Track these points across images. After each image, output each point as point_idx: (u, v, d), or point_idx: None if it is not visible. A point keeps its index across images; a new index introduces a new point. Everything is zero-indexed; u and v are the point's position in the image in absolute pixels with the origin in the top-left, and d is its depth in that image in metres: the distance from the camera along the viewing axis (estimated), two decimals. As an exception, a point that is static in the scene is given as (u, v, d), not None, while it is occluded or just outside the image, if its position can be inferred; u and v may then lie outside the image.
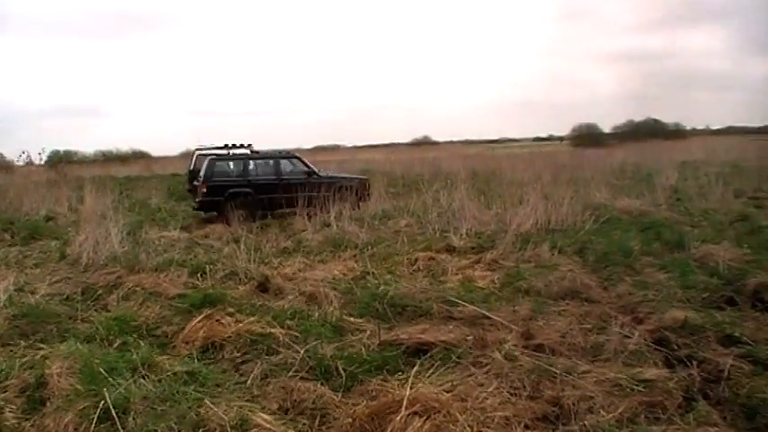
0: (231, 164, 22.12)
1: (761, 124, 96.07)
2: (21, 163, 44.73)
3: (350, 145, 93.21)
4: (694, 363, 6.65)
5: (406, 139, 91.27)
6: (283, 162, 21.80)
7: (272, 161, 21.87)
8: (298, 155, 22.86)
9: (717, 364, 6.56)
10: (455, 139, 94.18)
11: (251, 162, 21.69)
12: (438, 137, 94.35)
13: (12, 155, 46.05)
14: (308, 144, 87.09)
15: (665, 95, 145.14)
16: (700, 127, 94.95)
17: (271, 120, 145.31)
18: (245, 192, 20.56)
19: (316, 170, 21.63)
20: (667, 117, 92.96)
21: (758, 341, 7.25)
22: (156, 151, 68.65)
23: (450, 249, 12.99)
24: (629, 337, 7.28)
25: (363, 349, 7.24)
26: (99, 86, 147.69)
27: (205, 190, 20.76)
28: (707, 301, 9.06)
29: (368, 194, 21.59)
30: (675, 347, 7.19)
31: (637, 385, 6.00)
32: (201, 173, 21.25)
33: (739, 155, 39.08)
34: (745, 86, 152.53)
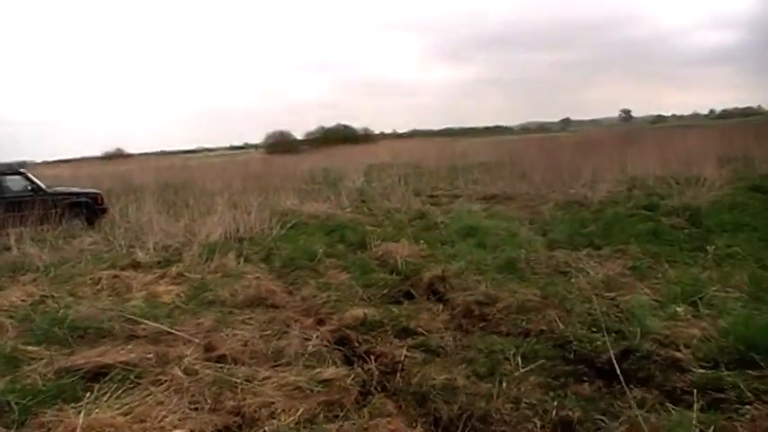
0: None
1: (443, 126, 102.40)
2: None
3: (38, 160, 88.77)
4: (372, 357, 6.96)
5: (98, 153, 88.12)
6: (5, 179, 19.47)
7: None
8: (22, 170, 20.39)
9: (393, 357, 6.90)
10: (151, 150, 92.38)
11: None
12: (133, 149, 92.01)
13: None
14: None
15: (355, 102, 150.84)
16: (388, 131, 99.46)
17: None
18: None
19: (42, 186, 19.79)
20: (358, 123, 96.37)
21: (431, 330, 7.75)
22: None
23: (136, 265, 12.62)
24: (309, 340, 7.46)
25: (39, 379, 6.85)
26: None
27: None
28: (386, 297, 9.53)
29: (102, 209, 20.35)
30: (356, 345, 7.48)
31: (316, 386, 6.14)
32: None
33: (421, 156, 41.10)
34: (430, 92, 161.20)
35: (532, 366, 6.29)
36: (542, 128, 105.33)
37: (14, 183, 19.67)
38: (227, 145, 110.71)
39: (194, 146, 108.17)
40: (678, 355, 6.21)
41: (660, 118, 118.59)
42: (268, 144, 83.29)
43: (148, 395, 6.01)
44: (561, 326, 7.31)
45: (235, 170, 34.91)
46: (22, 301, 10.56)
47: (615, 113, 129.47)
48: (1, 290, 11.52)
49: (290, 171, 33.51)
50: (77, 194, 20.64)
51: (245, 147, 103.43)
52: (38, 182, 19.97)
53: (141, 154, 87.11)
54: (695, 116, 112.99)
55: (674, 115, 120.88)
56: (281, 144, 79.16)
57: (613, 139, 40.73)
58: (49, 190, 19.99)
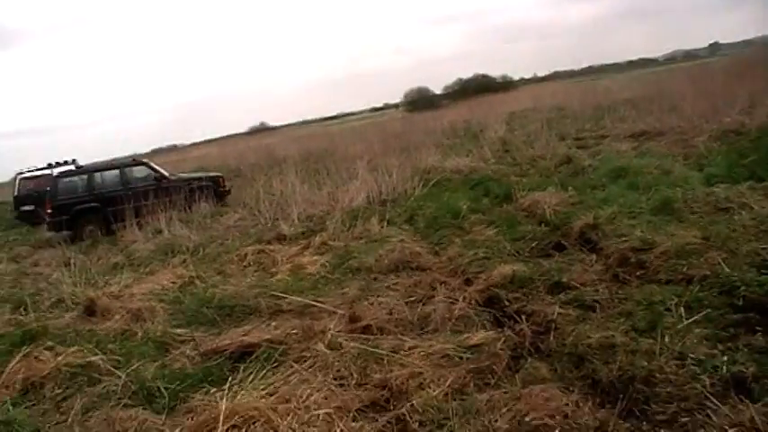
0: (77, 179, 20.86)
1: (583, 65, 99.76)
2: None
3: (188, 143, 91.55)
4: (523, 317, 6.60)
5: (244, 129, 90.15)
6: (130, 170, 20.86)
7: (117, 171, 20.87)
8: (145, 160, 21.87)
9: (545, 315, 6.53)
10: (293, 121, 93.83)
11: (96, 175, 20.72)
12: (276, 122, 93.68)
13: None
14: (146, 148, 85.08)
15: (491, 50, 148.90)
16: (527, 76, 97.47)
17: (104, 128, 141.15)
18: (92, 207, 19.68)
19: (166, 174, 20.81)
20: (496, 71, 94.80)
21: (585, 283, 7.31)
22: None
23: (281, 238, 12.70)
24: (456, 303, 7.17)
25: (187, 362, 6.86)
26: None
27: (50, 210, 19.79)
28: (535, 250, 9.14)
29: (225, 190, 21.22)
30: (506, 304, 7.16)
31: (465, 352, 5.87)
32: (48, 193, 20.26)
33: (564, 98, 40.02)
34: (566, 31, 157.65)
35: (697, 317, 5.75)
36: (689, 55, 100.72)
37: (139, 173, 20.93)
38: (368, 108, 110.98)
39: (334, 112, 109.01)
40: None
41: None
42: (407, 102, 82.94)
43: (293, 373, 5.85)
44: (727, 269, 6.68)
45: (375, 132, 34.79)
46: (173, 283, 10.76)
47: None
48: (153, 274, 11.77)
49: (430, 127, 33.15)
50: (200, 179, 21.20)
51: (385, 107, 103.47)
52: (161, 170, 20.99)
53: (284, 125, 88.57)
54: None
55: None
56: (420, 101, 78.67)
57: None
58: (173, 177, 21.01)
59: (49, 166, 23.11)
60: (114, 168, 21.16)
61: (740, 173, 11.34)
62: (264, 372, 5.95)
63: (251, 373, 5.97)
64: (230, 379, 5.88)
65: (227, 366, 6.51)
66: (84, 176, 20.69)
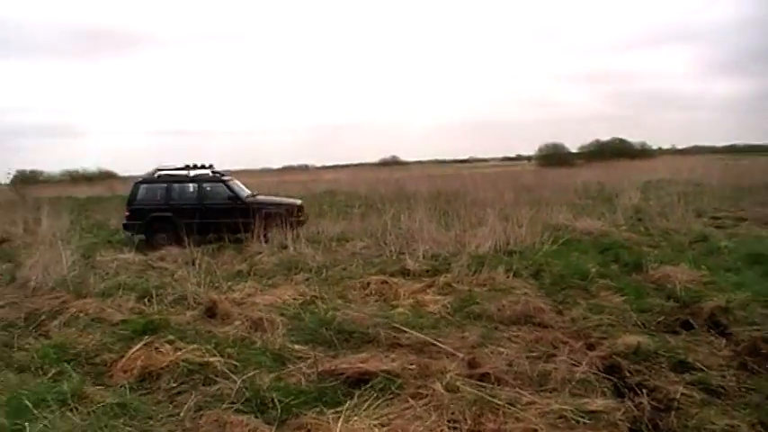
0: (156, 187, 21.38)
1: (725, 143, 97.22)
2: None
3: (318, 165, 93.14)
4: (644, 391, 6.44)
5: (375, 159, 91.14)
6: (206, 186, 21.04)
7: (195, 185, 21.10)
8: (226, 178, 21.59)
9: (667, 393, 6.37)
10: (424, 159, 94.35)
11: (174, 186, 21.07)
12: (407, 157, 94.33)
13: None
14: (277, 164, 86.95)
15: (631, 115, 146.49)
16: (666, 146, 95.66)
17: (240, 139, 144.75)
18: (166, 216, 20.05)
19: (241, 195, 20.79)
20: (634, 137, 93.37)
21: (711, 367, 7.11)
22: (123, 171, 67.72)
23: (405, 272, 12.76)
24: (577, 365, 7.04)
25: (303, 379, 6.94)
26: (72, 106, 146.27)
27: (128, 213, 20.67)
28: (662, 324, 8.94)
29: (298, 221, 20.07)
30: (627, 375, 6.99)
31: (582, 417, 5.75)
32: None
33: (703, 174, 39.15)
34: (711, 106, 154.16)
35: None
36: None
37: (215, 190, 20.89)
38: (499, 156, 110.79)
39: (466, 156, 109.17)
40: None
41: None
42: (540, 156, 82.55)
43: (407, 408, 5.86)
44: None
45: (506, 181, 34.66)
46: (294, 299, 10.93)
47: None
48: (275, 287, 11.98)
49: (562, 184, 32.90)
50: (277, 205, 20.97)
51: (518, 158, 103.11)
52: (238, 190, 21.04)
53: (415, 162, 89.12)
54: None
55: None
56: (553, 156, 78.28)
57: None
58: (248, 199, 20.74)
59: (186, 167, 23.68)
60: (192, 182, 21.22)
61: None
62: (379, 402, 5.98)
63: (366, 400, 6.04)
64: (346, 403, 5.93)
65: (342, 390, 6.57)
66: (164, 185, 21.04)
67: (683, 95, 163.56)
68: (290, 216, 19.65)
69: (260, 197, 21.81)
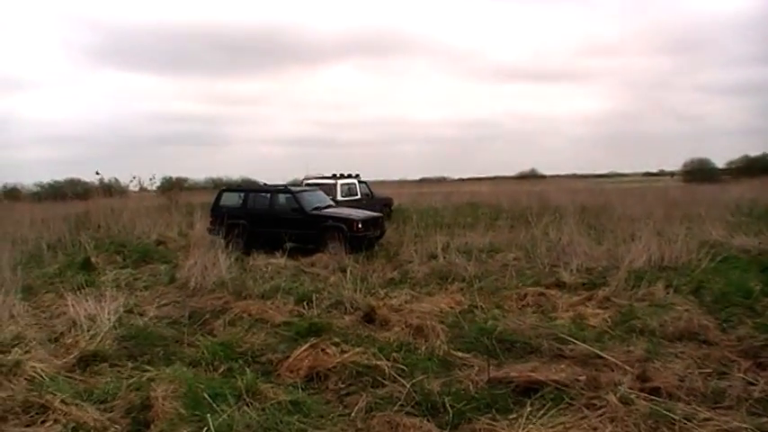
0: (235, 195, 22.33)
1: None
2: (134, 188, 45.61)
3: (455, 177, 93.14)
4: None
5: (512, 173, 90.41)
6: (277, 196, 21.38)
7: (268, 194, 21.54)
8: (295, 189, 22.16)
9: None
10: (563, 172, 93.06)
11: (250, 195, 21.76)
12: (545, 170, 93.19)
13: (126, 180, 46.62)
14: (415, 175, 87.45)
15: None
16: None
17: (379, 149, 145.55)
18: (240, 223, 20.35)
19: (306, 207, 20.42)
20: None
21: None
22: (264, 178, 69.34)
23: (560, 285, 12.74)
24: (753, 384, 6.87)
25: (471, 386, 7.02)
26: (215, 116, 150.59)
27: (211, 218, 21.46)
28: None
29: (362, 237, 19.40)
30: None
31: (763, 435, 5.63)
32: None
33: None
34: None
35: None
36: None
37: (284, 200, 21.06)
38: (641, 171, 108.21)
39: (605, 170, 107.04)
40: None
41: None
42: (685, 172, 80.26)
43: (582, 418, 5.88)
44: None
45: (653, 197, 33.97)
46: (451, 308, 11.06)
47: None
48: (431, 295, 12.11)
49: (712, 201, 31.89)
50: (339, 218, 20.14)
51: (661, 173, 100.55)
52: (306, 202, 20.75)
53: (554, 175, 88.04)
54: None
55: None
56: (699, 172, 75.85)
57: None
58: (312, 212, 20.33)
59: (333, 176, 24.04)
60: (266, 192, 21.79)
61: None
62: (553, 411, 6.00)
63: (539, 409, 6.07)
64: (518, 411, 5.98)
65: (512, 398, 6.63)
66: (242, 194, 21.97)
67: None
68: (351, 231, 19.31)
69: (331, 210, 21.25)
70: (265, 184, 22.96)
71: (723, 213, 25.57)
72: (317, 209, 20.74)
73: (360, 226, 19.58)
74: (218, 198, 22.19)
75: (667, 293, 11.54)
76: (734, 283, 12.10)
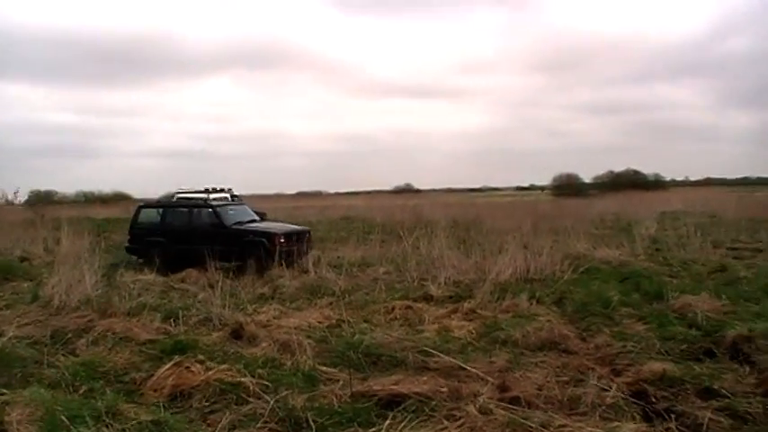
0: (155, 212, 21.66)
1: (739, 176, 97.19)
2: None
3: (332, 191, 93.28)
4: (673, 416, 6.52)
5: (388, 187, 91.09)
6: (197, 210, 20.39)
7: (186, 210, 20.63)
8: (215, 203, 20.52)
9: (695, 418, 6.45)
10: (438, 186, 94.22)
11: (168, 211, 21.09)
12: (421, 185, 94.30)
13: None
14: (291, 189, 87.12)
15: (645, 146, 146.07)
16: (679, 178, 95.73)
17: (254, 164, 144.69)
18: (159, 241, 19.82)
19: (227, 222, 19.70)
20: (647, 168, 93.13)
21: (736, 394, 7.16)
22: (138, 193, 67.87)
23: (428, 298, 12.90)
24: (606, 390, 7.11)
25: (335, 400, 7.03)
26: (89, 127, 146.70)
27: (130, 236, 20.95)
28: (685, 352, 9.00)
29: (285, 252, 18.34)
30: (654, 400, 7.07)
31: (614, 440, 5.82)
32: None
33: (717, 206, 39.12)
34: (726, 139, 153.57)
35: None
36: None
37: (204, 215, 20.19)
38: (513, 185, 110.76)
39: (479, 185, 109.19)
40: None
41: None
42: (554, 186, 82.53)
43: (442, 429, 5.94)
44: None
45: (522, 211, 34.72)
46: (319, 323, 11.08)
47: None
48: (300, 310, 12.11)
49: (579, 214, 32.87)
50: (260, 233, 19.49)
51: (532, 188, 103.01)
52: (226, 216, 20.02)
53: (429, 190, 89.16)
54: None
55: None
56: (567, 187, 78.14)
57: None
58: (233, 227, 19.70)
59: (206, 190, 23.57)
60: (184, 207, 20.84)
61: None
62: (414, 423, 6.07)
63: (401, 421, 6.11)
64: (380, 424, 6.03)
65: (376, 411, 6.66)
66: (160, 210, 21.38)
67: (697, 127, 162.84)
68: (274, 245, 18.40)
69: (247, 223, 20.48)
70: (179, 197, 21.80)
71: (588, 227, 26.41)
72: (238, 223, 20.02)
73: (282, 240, 18.78)
74: (137, 215, 21.42)
75: (531, 304, 11.84)
76: (594, 293, 12.57)
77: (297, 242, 19.54)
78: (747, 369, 8.16)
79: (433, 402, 6.67)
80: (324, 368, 8.30)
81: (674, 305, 11.65)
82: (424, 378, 7.52)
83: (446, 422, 6.08)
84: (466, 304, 11.97)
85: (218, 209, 20.12)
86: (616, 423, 6.22)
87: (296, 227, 21.31)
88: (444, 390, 7.05)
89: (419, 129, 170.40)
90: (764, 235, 23.74)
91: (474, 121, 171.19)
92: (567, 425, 6.09)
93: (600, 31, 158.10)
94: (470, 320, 11.03)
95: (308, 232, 21.32)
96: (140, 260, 20.03)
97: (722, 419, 6.44)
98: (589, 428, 5.99)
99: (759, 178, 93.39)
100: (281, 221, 23.44)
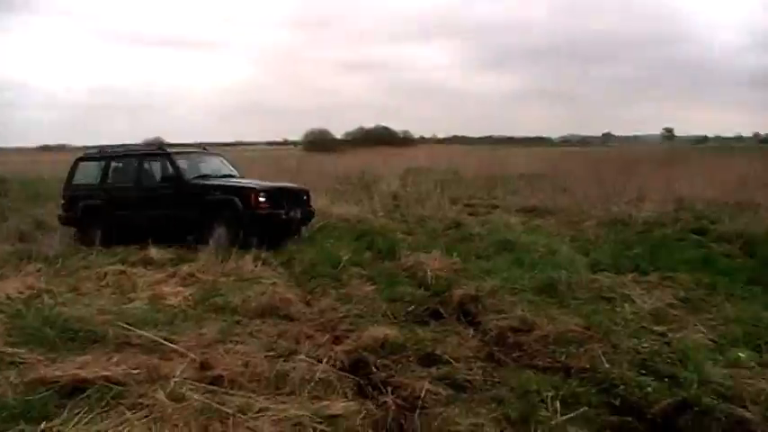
0: (95, 166, 16.23)
1: (484, 134, 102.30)
2: None
3: (80, 145, 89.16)
4: (389, 389, 6.06)
5: (138, 141, 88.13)
6: (147, 162, 15.54)
7: (135, 161, 15.59)
8: (170, 150, 15.63)
9: (413, 390, 5.98)
10: (188, 141, 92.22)
11: (111, 164, 15.88)
12: (171, 139, 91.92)
13: None
14: (33, 143, 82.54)
15: (397, 105, 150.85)
16: (427, 135, 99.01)
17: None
18: (96, 205, 15.35)
19: (185, 175, 14.81)
20: (398, 125, 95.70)
21: (458, 359, 6.86)
22: None
23: (149, 261, 12.09)
24: (319, 363, 6.55)
25: (9, 391, 5.95)
26: None
27: (63, 201, 16.25)
28: (412, 315, 8.73)
29: (268, 218, 13.72)
30: (373, 371, 6.59)
31: (320, 423, 5.22)
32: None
33: (461, 163, 40.17)
34: (473, 100, 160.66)
35: (573, 414, 5.35)
36: (583, 141, 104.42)
37: (156, 168, 15.50)
38: (265, 140, 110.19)
39: (232, 139, 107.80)
40: (746, 414, 5.23)
41: (703, 138, 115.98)
42: (307, 142, 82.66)
43: (123, 422, 5.09)
44: (606, 364, 6.37)
45: (267, 165, 34.09)
46: (19, 293, 9.79)
47: (657, 131, 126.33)
48: (2, 280, 10.74)
49: (325, 170, 32.71)
50: (235, 189, 14.34)
51: (284, 143, 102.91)
52: (185, 166, 15.14)
53: (178, 144, 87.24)
54: (739, 138, 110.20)
55: (717, 137, 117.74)
56: (319, 142, 78.47)
57: (657, 157, 39.80)
58: (192, 181, 14.79)
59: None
60: (132, 156, 15.92)
61: (624, 263, 11.30)
62: (92, 415, 5.20)
63: (78, 413, 5.22)
64: (54, 418, 5.14)
65: (54, 402, 5.63)
66: (102, 163, 16.05)
67: (447, 88, 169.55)
68: (249, 208, 13.64)
69: (216, 178, 15.25)
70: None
71: (332, 182, 26.22)
72: (201, 177, 15.03)
73: (262, 200, 13.79)
74: (72, 172, 16.26)
75: (256, 266, 11.27)
76: (325, 252, 12.16)
77: (289, 205, 14.38)
78: (471, 331, 7.95)
79: (122, 388, 5.78)
80: (10, 349, 7.16)
81: (405, 263, 11.55)
82: (119, 358, 6.61)
83: (129, 413, 5.22)
84: (186, 268, 11.27)
85: (173, 156, 15.17)
86: (325, 402, 5.63)
87: (286, 184, 16.14)
88: (139, 371, 6.20)
89: (171, 81, 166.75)
90: (500, 192, 24.44)
91: (230, 75, 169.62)
92: (268, 407, 5.43)
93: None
94: (188, 286, 10.27)
95: (307, 192, 15.75)
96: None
97: (440, 390, 6.00)
98: (293, 411, 5.36)
99: (501, 137, 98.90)
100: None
